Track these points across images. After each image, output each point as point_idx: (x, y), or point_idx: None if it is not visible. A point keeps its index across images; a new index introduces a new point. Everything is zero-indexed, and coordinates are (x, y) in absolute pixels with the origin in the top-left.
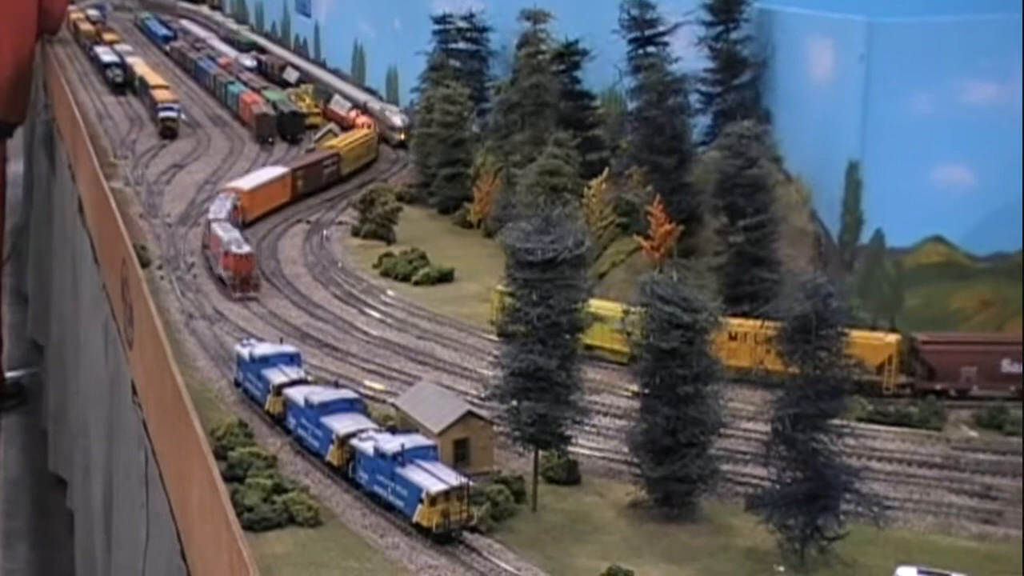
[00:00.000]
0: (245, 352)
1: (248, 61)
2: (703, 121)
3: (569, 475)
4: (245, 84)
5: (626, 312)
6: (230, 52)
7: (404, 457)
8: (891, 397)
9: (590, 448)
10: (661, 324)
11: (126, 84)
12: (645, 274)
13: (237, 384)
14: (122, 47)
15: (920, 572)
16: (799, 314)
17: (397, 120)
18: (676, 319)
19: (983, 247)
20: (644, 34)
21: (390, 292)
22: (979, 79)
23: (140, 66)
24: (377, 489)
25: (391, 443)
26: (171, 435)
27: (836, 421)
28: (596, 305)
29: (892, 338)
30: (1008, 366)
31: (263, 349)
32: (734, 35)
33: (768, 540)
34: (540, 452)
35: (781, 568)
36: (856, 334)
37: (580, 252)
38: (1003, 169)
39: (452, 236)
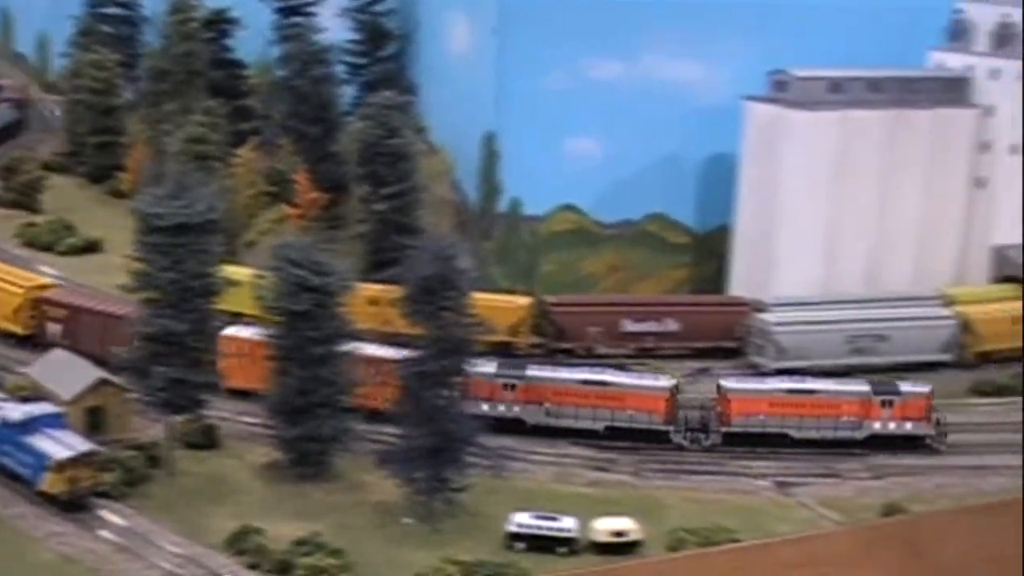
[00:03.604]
0: None
1: None
2: (351, 92)
3: (208, 439)
4: None
5: (259, 276)
6: None
7: (31, 426)
8: (525, 357)
9: (229, 411)
10: (291, 287)
11: None
12: (267, 241)
13: None
14: None
15: (533, 516)
16: (422, 276)
17: None
18: (306, 282)
19: (611, 215)
20: (290, 4)
21: (46, 269)
22: (605, 57)
23: None
24: (2, 459)
25: (16, 412)
26: None
27: (460, 378)
28: (234, 271)
29: (524, 301)
30: (629, 325)
31: None
32: (379, 7)
33: (399, 494)
34: (178, 417)
35: (409, 520)
36: (491, 297)
37: (212, 217)
38: (628, 142)
39: (103, 206)
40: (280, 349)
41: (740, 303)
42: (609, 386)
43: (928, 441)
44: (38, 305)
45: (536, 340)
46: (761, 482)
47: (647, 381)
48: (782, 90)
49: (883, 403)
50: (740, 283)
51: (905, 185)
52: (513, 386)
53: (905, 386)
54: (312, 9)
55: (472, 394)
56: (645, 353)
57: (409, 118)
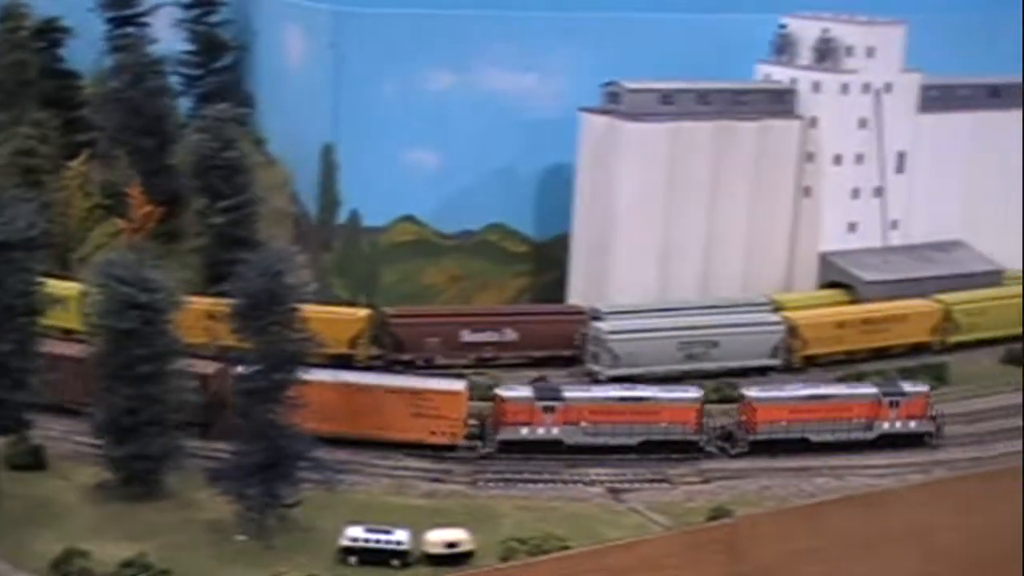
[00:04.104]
0: None
1: None
2: (187, 103)
3: (35, 460)
4: None
5: (83, 294)
6: None
7: None
8: (365, 369)
9: (58, 430)
10: (117, 305)
11: None
12: (101, 255)
13: None
14: None
15: (366, 530)
16: (250, 291)
17: None
18: (133, 299)
19: (450, 225)
20: (122, 14)
21: None
22: (442, 69)
23: None
24: None
25: None
26: None
27: (291, 393)
28: (64, 287)
29: (363, 313)
30: (468, 336)
31: None
32: (213, 18)
33: (231, 511)
34: (2, 438)
35: (241, 537)
36: (329, 310)
37: (33, 234)
38: (466, 153)
39: None
40: (107, 367)
41: (576, 312)
42: (644, 401)
43: (926, 439)
44: None
45: (375, 352)
46: (594, 489)
47: (679, 394)
48: (615, 102)
49: (891, 404)
50: (578, 291)
51: (735, 194)
52: (552, 408)
53: (907, 386)
54: (145, 19)
55: (511, 420)
56: (484, 363)
57: (246, 130)
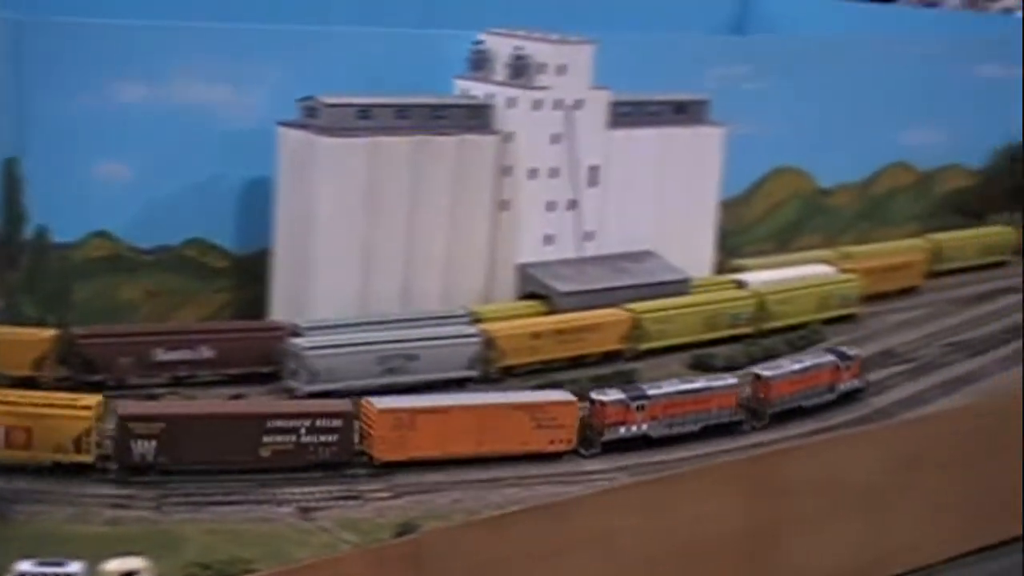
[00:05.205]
0: None
1: None
2: None
3: None
4: None
5: None
6: None
7: None
8: (51, 391)
9: None
10: None
11: None
12: None
13: None
14: None
15: (37, 564)
16: None
17: None
18: None
19: (147, 240)
20: None
21: None
22: (136, 80)
23: None
24: None
25: None
26: None
27: None
28: None
29: (48, 333)
30: (162, 355)
31: None
32: None
33: None
34: None
35: None
36: (10, 331)
37: None
38: (162, 166)
39: None
40: None
41: (275, 328)
42: (702, 391)
43: (859, 396)
44: None
45: (63, 374)
46: (284, 509)
47: (721, 382)
48: (312, 116)
49: (847, 367)
50: (280, 307)
51: (435, 208)
52: (643, 407)
53: (849, 351)
54: None
55: (611, 421)
56: (179, 382)
57: None
